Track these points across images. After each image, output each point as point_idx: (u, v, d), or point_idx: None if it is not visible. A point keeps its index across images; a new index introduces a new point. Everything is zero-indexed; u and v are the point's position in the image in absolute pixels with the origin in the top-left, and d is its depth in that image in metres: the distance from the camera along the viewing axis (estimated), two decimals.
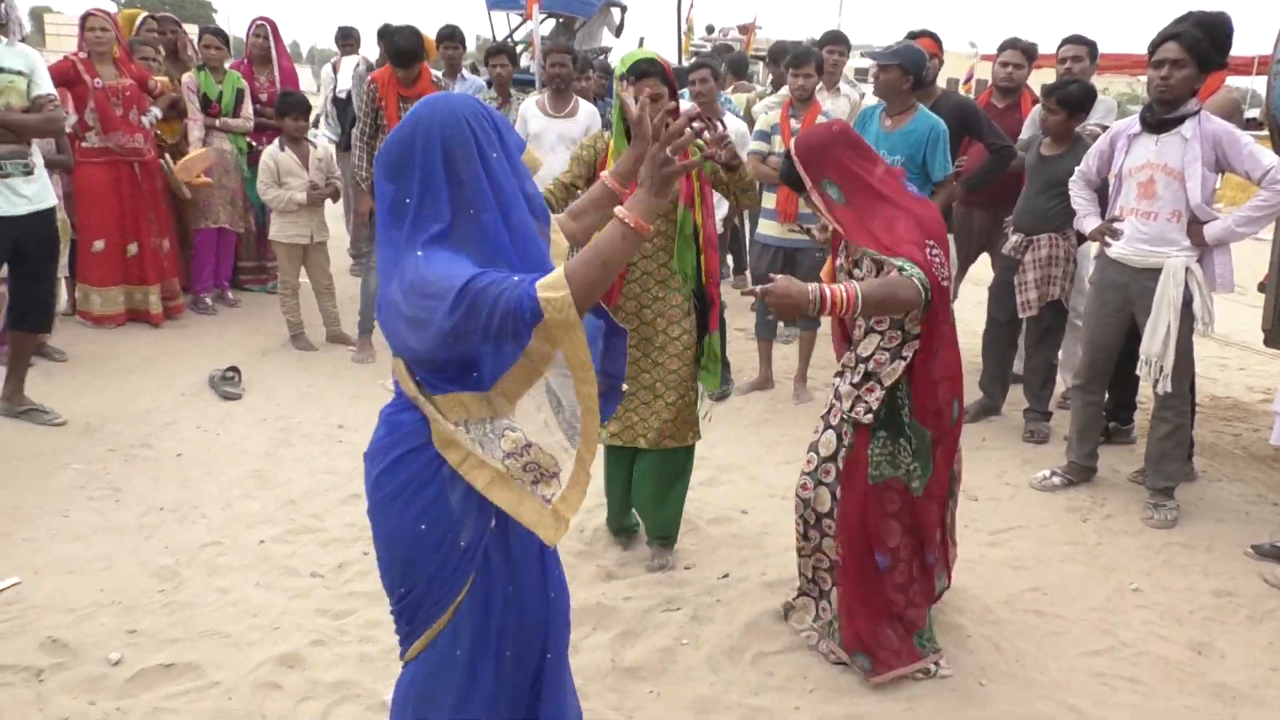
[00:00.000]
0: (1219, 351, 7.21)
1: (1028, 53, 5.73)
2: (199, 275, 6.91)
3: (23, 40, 4.70)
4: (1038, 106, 5.21)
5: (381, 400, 2.21)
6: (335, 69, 8.27)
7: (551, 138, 5.82)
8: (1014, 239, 4.99)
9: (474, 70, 8.33)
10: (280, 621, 3.20)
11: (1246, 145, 3.91)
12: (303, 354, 6.20)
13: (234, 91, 6.83)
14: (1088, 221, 4.42)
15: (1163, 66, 3.91)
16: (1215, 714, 2.95)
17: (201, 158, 6.51)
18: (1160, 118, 4.03)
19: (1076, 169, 4.51)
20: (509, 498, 1.85)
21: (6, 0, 4.41)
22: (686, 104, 5.86)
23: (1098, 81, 5.46)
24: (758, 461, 4.79)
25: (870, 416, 2.87)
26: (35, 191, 4.48)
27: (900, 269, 2.69)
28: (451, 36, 6.77)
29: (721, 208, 3.57)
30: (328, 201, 6.25)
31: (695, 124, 3.25)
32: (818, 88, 5.71)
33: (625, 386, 1.98)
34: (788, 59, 5.63)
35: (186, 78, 6.72)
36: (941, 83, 5.90)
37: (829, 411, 3.08)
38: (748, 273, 8.12)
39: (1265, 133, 4.87)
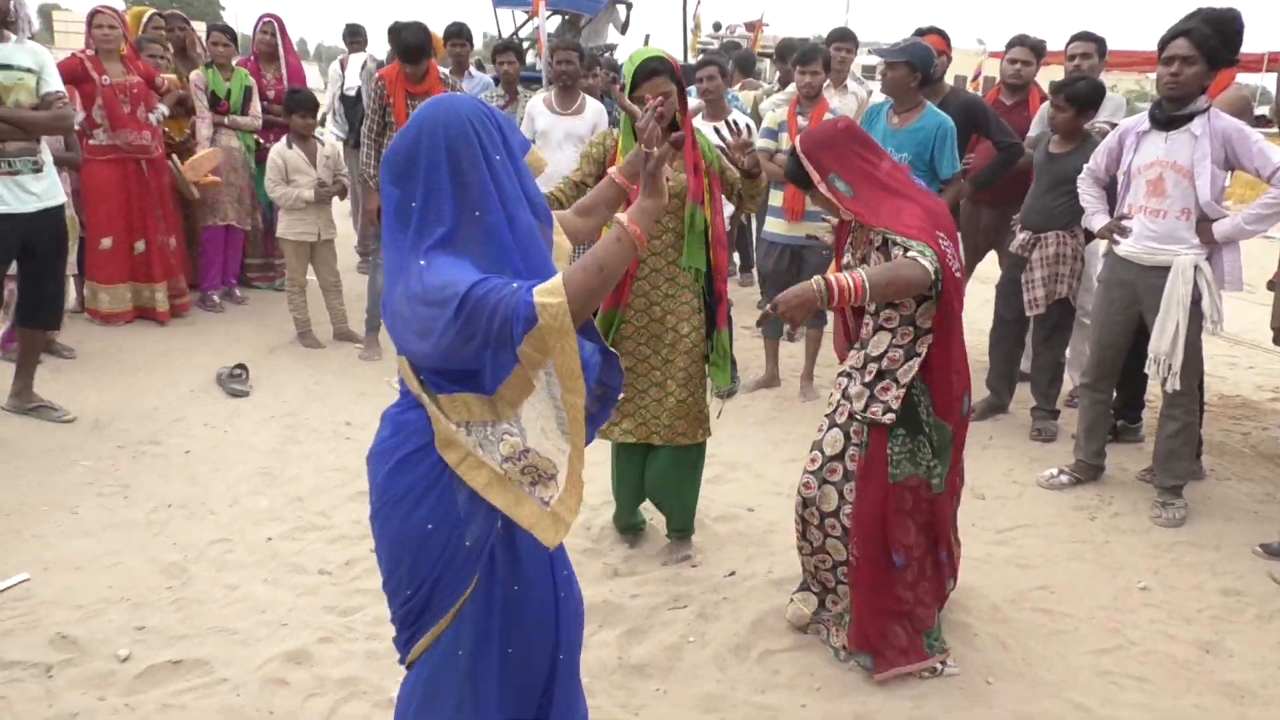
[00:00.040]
0: (1228, 350, 7.19)
1: (1036, 50, 5.72)
2: (206, 272, 6.93)
3: (31, 38, 4.71)
4: (1046, 104, 5.19)
5: (388, 397, 2.21)
6: (343, 66, 8.28)
7: (559, 135, 5.82)
8: (1021, 237, 4.98)
9: (479, 67, 8.33)
10: (288, 618, 3.21)
11: (1256, 143, 3.89)
12: (310, 351, 6.22)
13: (242, 89, 6.84)
14: (1096, 219, 4.41)
15: (1172, 63, 3.89)
16: (1223, 713, 2.94)
17: (209, 157, 6.53)
18: (1169, 115, 4.01)
19: (1085, 166, 4.50)
20: (507, 499, 1.86)
21: None
22: (694, 101, 5.86)
23: (1106, 79, 5.44)
24: (764, 459, 4.78)
25: (891, 416, 2.85)
26: (44, 189, 4.49)
27: (906, 249, 2.68)
28: (459, 34, 6.77)
29: (729, 205, 3.58)
30: (335, 199, 6.26)
31: (725, 129, 3.28)
32: (825, 85, 5.70)
33: (621, 395, 1.98)
34: (795, 56, 5.63)
35: (194, 75, 6.73)
36: (949, 80, 5.88)
37: (834, 410, 3.07)
38: (754, 271, 8.13)
39: (1275, 130, 4.86)
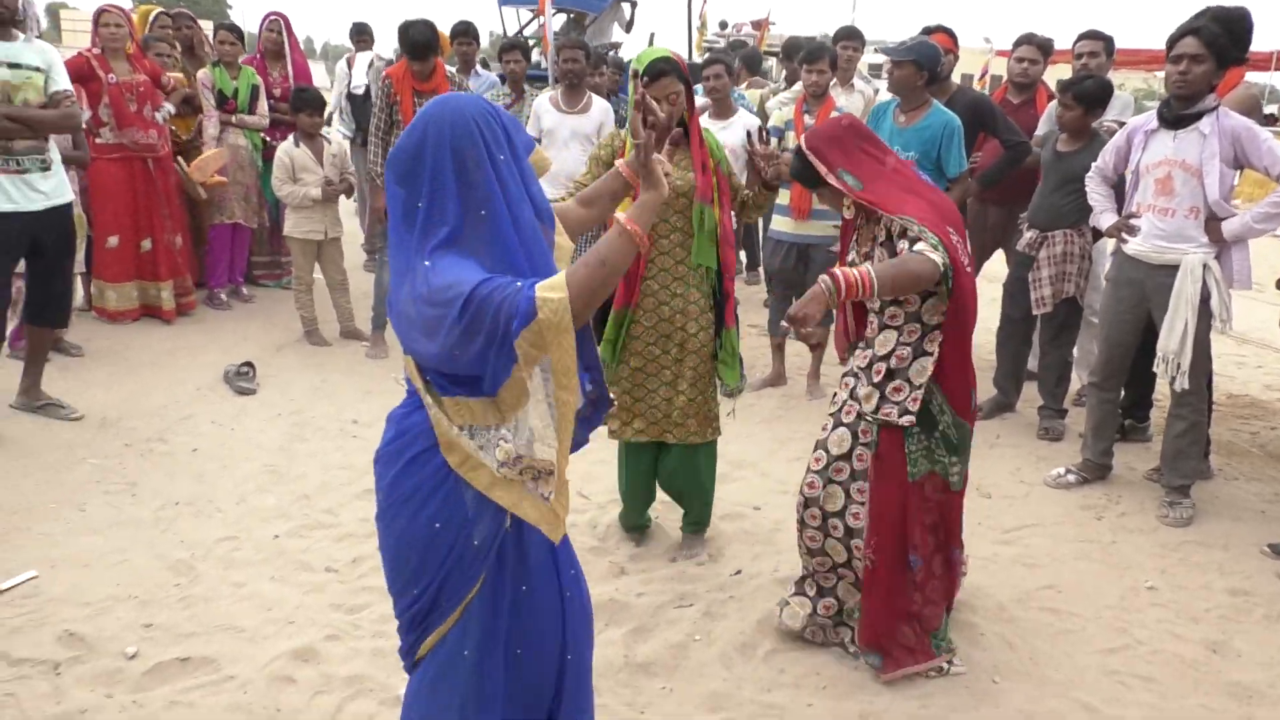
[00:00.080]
0: (1236, 349, 7.17)
1: (1043, 48, 5.70)
2: (214, 270, 6.94)
3: (39, 36, 4.72)
4: (1054, 102, 5.19)
5: (394, 395, 2.21)
6: (350, 65, 8.28)
7: (565, 133, 5.82)
8: (1029, 235, 4.97)
9: (484, 65, 8.33)
10: (295, 616, 3.22)
11: (1265, 141, 3.88)
12: (317, 349, 6.23)
13: (249, 88, 6.85)
14: (1104, 218, 4.40)
15: (1181, 61, 3.88)
16: (1231, 713, 2.93)
17: (215, 157, 6.54)
18: (1178, 113, 4.00)
19: (1093, 165, 4.49)
20: (511, 497, 1.87)
21: None
22: (700, 100, 5.86)
23: (1114, 77, 5.42)
24: (770, 457, 4.78)
25: (909, 419, 2.83)
26: (52, 187, 4.50)
27: (914, 241, 2.67)
28: (466, 33, 6.78)
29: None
30: (341, 197, 6.27)
31: (753, 138, 3.28)
32: (832, 84, 5.69)
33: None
34: (802, 55, 5.62)
35: (202, 74, 6.74)
36: (955, 78, 5.87)
37: (840, 409, 3.06)
38: (760, 269, 8.13)
39: None
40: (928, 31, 5.79)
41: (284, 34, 7.33)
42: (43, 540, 3.64)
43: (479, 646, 1.98)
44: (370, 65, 8.00)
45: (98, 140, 5.95)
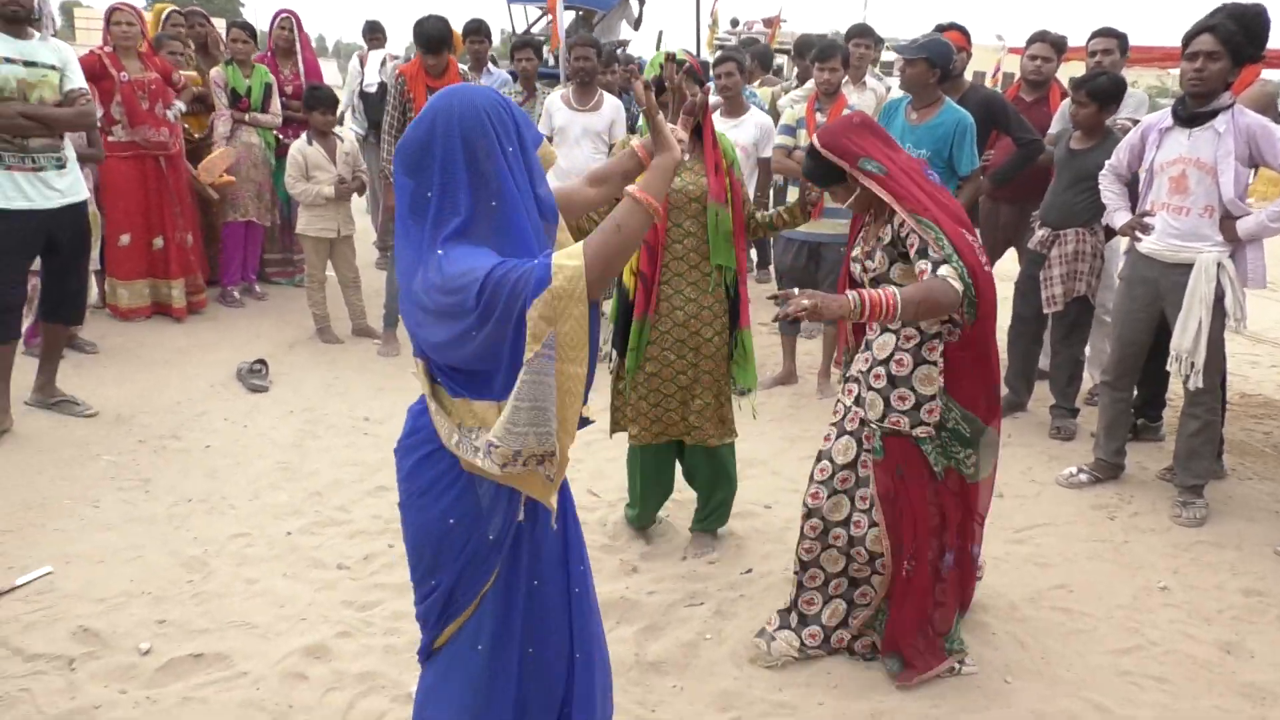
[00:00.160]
0: (1250, 348, 7.13)
1: (1057, 46, 5.68)
2: (226, 268, 6.97)
3: (54, 35, 4.74)
4: (1067, 100, 5.16)
5: (405, 392, 2.22)
6: (362, 63, 8.30)
7: (576, 131, 5.83)
8: (1040, 234, 4.95)
9: (493, 63, 8.34)
10: (307, 613, 3.23)
11: None
12: (329, 347, 6.25)
13: (262, 86, 6.87)
14: (1118, 216, 4.38)
15: (1197, 59, 3.86)
16: (1244, 714, 2.92)
17: (221, 157, 6.55)
18: (1193, 111, 3.98)
19: (1106, 163, 4.47)
20: (519, 481, 1.86)
21: None
22: (713, 98, 5.85)
23: (1127, 75, 5.39)
24: (780, 456, 4.78)
25: (925, 430, 2.82)
26: (68, 185, 4.52)
27: (940, 261, 2.64)
28: (478, 30, 6.79)
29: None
30: (354, 195, 6.29)
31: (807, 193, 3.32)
32: (844, 81, 5.68)
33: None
34: (814, 53, 5.60)
35: (214, 72, 6.76)
36: (968, 76, 5.86)
37: (843, 418, 3.03)
38: (771, 268, 8.12)
39: None
40: (940, 29, 5.77)
41: (295, 31, 7.34)
42: (57, 536, 3.66)
43: (491, 643, 1.99)
44: (383, 63, 8.02)
45: (110, 138, 5.97)
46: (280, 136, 7.04)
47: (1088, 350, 5.25)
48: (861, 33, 6.43)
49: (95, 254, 5.67)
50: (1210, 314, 3.99)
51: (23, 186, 4.34)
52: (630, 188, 1.78)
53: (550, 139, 5.77)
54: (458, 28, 6.90)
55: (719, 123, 5.53)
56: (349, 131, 8.10)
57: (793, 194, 5.52)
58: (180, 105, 6.43)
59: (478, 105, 1.79)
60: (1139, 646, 3.24)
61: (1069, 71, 6.61)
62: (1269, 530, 4.11)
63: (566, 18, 10.90)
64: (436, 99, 1.83)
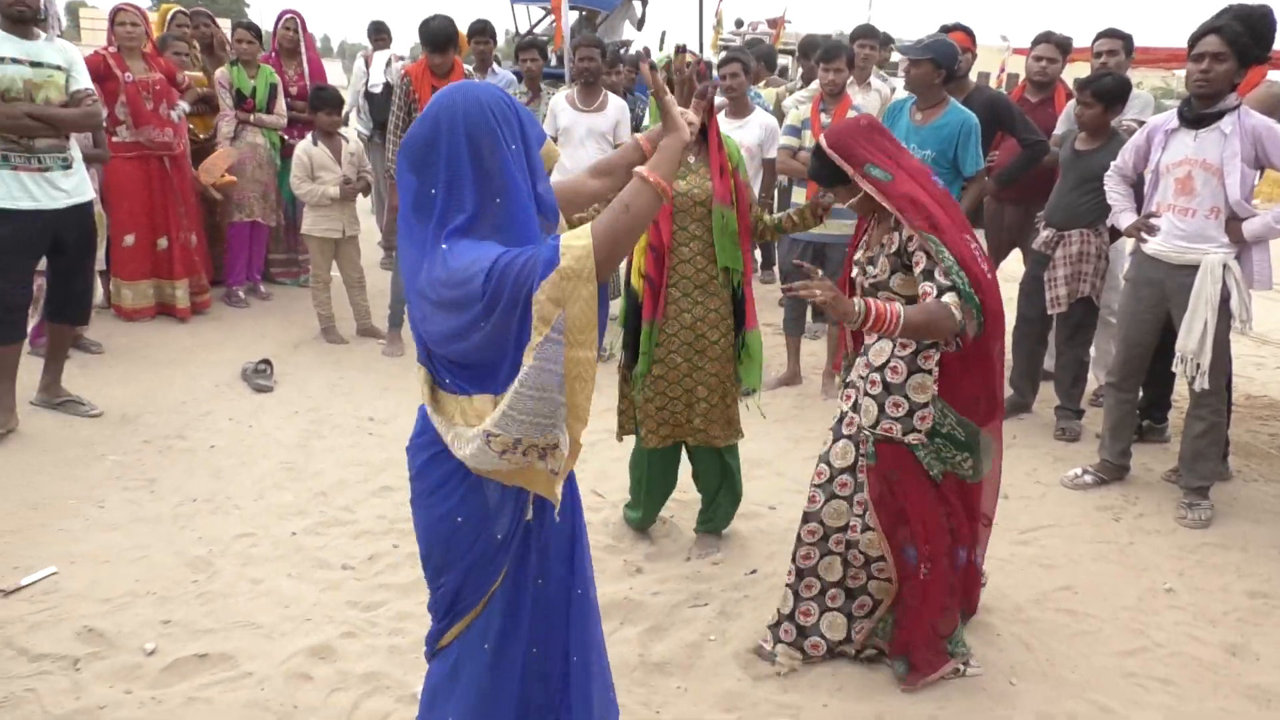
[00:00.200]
0: (1255, 350, 7.11)
1: (1062, 47, 5.68)
2: (231, 268, 6.98)
3: (60, 35, 4.75)
4: (1072, 101, 5.16)
5: (410, 393, 2.22)
6: (367, 63, 8.31)
7: (581, 132, 5.83)
8: (1045, 234, 4.95)
9: (497, 63, 8.35)
10: (312, 613, 3.23)
11: None
12: (333, 347, 6.25)
13: (267, 87, 6.88)
14: (1124, 217, 4.37)
15: (1203, 60, 3.86)
16: (1249, 716, 2.92)
17: (221, 157, 6.56)
18: (1199, 113, 3.97)
19: (1112, 164, 4.47)
20: (516, 478, 1.86)
21: None
22: (718, 99, 5.85)
23: (1132, 76, 5.39)
24: (785, 457, 4.78)
25: (916, 437, 2.82)
26: (74, 185, 4.53)
27: (947, 288, 2.65)
28: (483, 31, 6.80)
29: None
30: (359, 195, 6.29)
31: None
32: (848, 82, 5.68)
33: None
34: (819, 53, 5.60)
35: (219, 73, 6.77)
36: (972, 77, 5.85)
37: (841, 422, 3.03)
38: (775, 268, 8.11)
39: None
40: (945, 30, 5.77)
41: (299, 32, 7.35)
42: (62, 536, 3.67)
43: (498, 641, 1.99)
44: (388, 64, 8.03)
45: (114, 139, 5.97)
46: (285, 137, 7.05)
47: (1092, 351, 5.25)
48: (866, 33, 6.43)
49: (101, 254, 5.68)
50: (1216, 315, 3.98)
51: (29, 187, 4.35)
52: (639, 168, 1.77)
53: (555, 139, 5.78)
54: (462, 28, 6.92)
55: (723, 123, 5.52)
56: (354, 132, 8.12)
57: (797, 194, 5.51)
58: (184, 105, 6.44)
59: (482, 101, 1.79)
60: (1144, 648, 3.24)
61: (1074, 72, 6.60)
62: (1274, 532, 4.10)
63: (570, 18, 10.91)
64: (440, 95, 1.82)
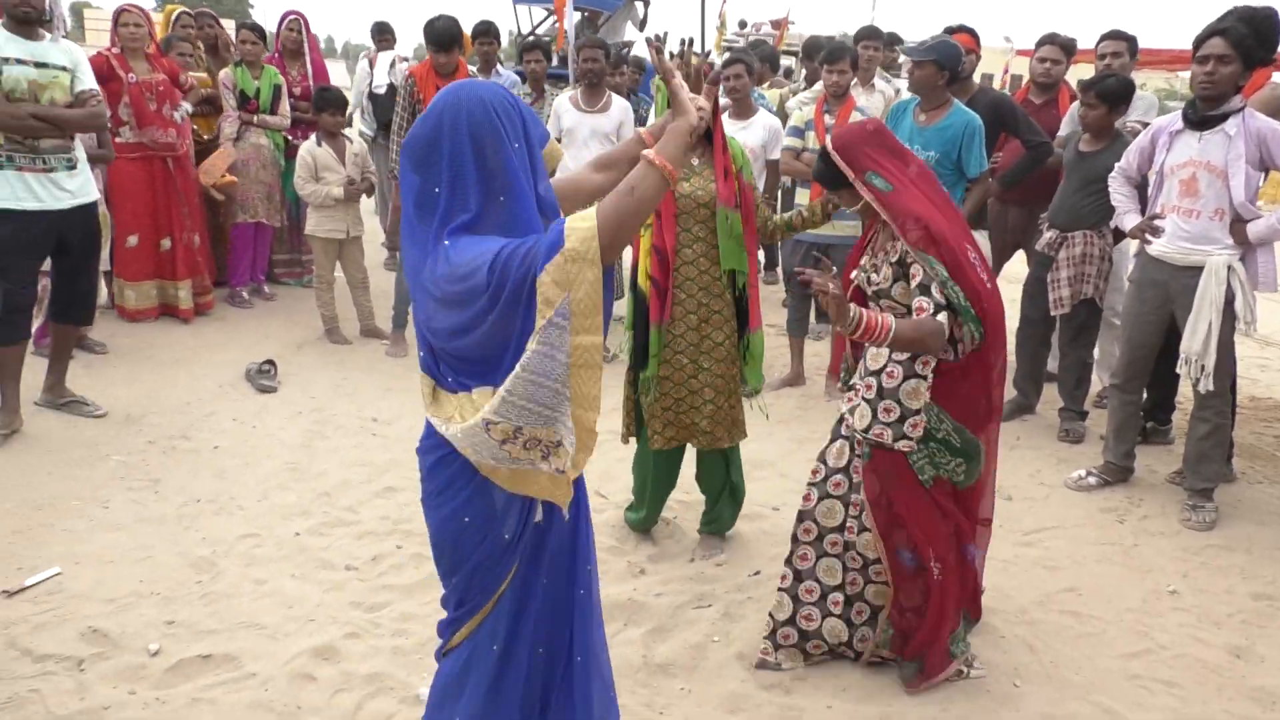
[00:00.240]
0: (1259, 352, 7.10)
1: (1066, 48, 5.67)
2: (235, 269, 6.98)
3: (65, 36, 4.75)
4: (1076, 103, 5.16)
5: (414, 393, 2.22)
6: (371, 64, 8.32)
7: (584, 133, 5.83)
8: (1048, 235, 4.94)
9: (501, 64, 8.35)
10: (315, 614, 3.24)
11: None
12: (337, 347, 6.26)
13: (271, 87, 6.88)
14: (1128, 219, 4.37)
15: (1208, 62, 3.85)
16: (1254, 719, 2.91)
17: (221, 157, 6.56)
18: (1204, 114, 3.97)
19: (1116, 165, 4.46)
20: (515, 484, 1.86)
21: None
22: (722, 101, 5.85)
23: (1136, 77, 5.38)
24: (788, 458, 4.78)
25: (907, 444, 2.80)
26: (78, 185, 4.54)
27: (942, 306, 2.65)
28: (487, 32, 6.80)
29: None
30: (362, 196, 6.30)
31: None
32: (852, 83, 5.67)
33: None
34: (823, 54, 5.60)
35: (223, 74, 6.78)
36: (976, 78, 5.85)
37: (841, 423, 3.03)
38: (778, 269, 8.11)
39: None
40: (949, 31, 5.77)
41: (303, 33, 7.36)
42: (66, 537, 3.67)
43: (507, 639, 2.00)
44: (392, 65, 8.03)
45: (118, 139, 5.97)
46: (289, 138, 7.05)
47: (1096, 353, 5.24)
48: (870, 35, 6.43)
49: (105, 255, 5.68)
50: (1220, 317, 3.98)
51: (33, 187, 4.35)
52: (646, 151, 1.76)
53: (559, 140, 5.78)
54: (465, 29, 6.93)
55: (727, 125, 5.52)
56: (358, 133, 8.12)
57: (801, 196, 5.51)
58: (187, 106, 6.44)
59: (485, 100, 1.78)
60: (1148, 650, 3.23)
61: (1078, 74, 6.60)
62: (1279, 534, 4.09)
63: (573, 19, 10.92)
64: (443, 94, 1.81)
